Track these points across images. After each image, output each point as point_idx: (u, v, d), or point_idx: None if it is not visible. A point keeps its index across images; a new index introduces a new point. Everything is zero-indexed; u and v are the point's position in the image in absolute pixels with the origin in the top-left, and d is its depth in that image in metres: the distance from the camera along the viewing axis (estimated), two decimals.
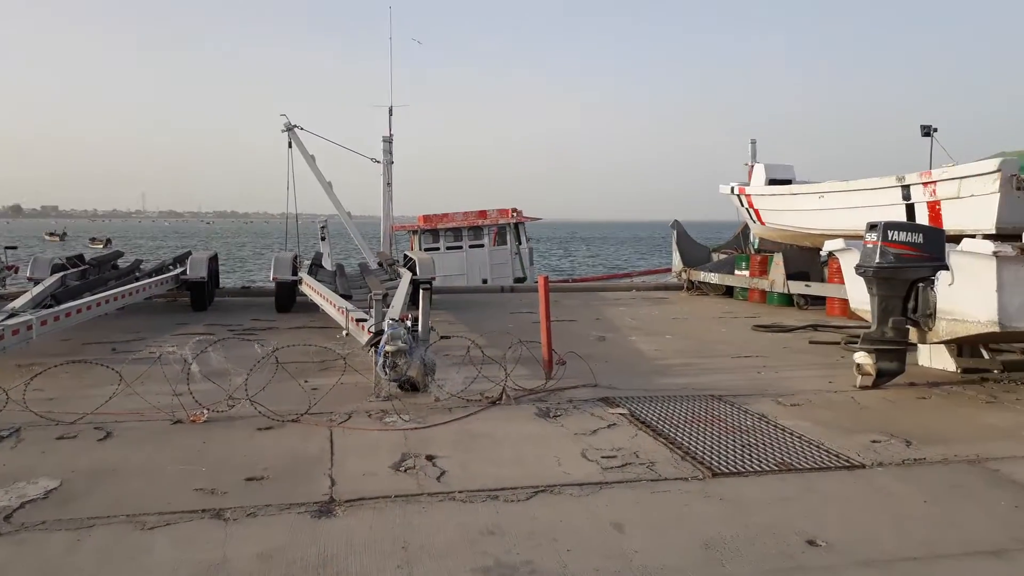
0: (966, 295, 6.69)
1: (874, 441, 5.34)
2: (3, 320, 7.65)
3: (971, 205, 10.45)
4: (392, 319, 6.89)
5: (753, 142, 15.82)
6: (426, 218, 23.19)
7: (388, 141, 17.98)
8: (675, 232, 17.63)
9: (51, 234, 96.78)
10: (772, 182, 15.21)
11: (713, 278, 16.03)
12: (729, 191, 16.20)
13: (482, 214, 23.33)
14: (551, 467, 4.78)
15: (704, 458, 4.95)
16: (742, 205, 15.98)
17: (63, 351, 8.40)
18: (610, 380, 7.23)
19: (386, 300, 8.36)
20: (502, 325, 10.84)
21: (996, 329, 6.55)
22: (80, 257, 13.87)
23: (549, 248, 79.47)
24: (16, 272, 14.66)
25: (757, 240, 16.52)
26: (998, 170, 10.08)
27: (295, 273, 12.90)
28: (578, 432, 5.55)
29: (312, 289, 11.36)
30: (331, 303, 9.65)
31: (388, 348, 6.31)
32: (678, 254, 17.35)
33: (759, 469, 4.76)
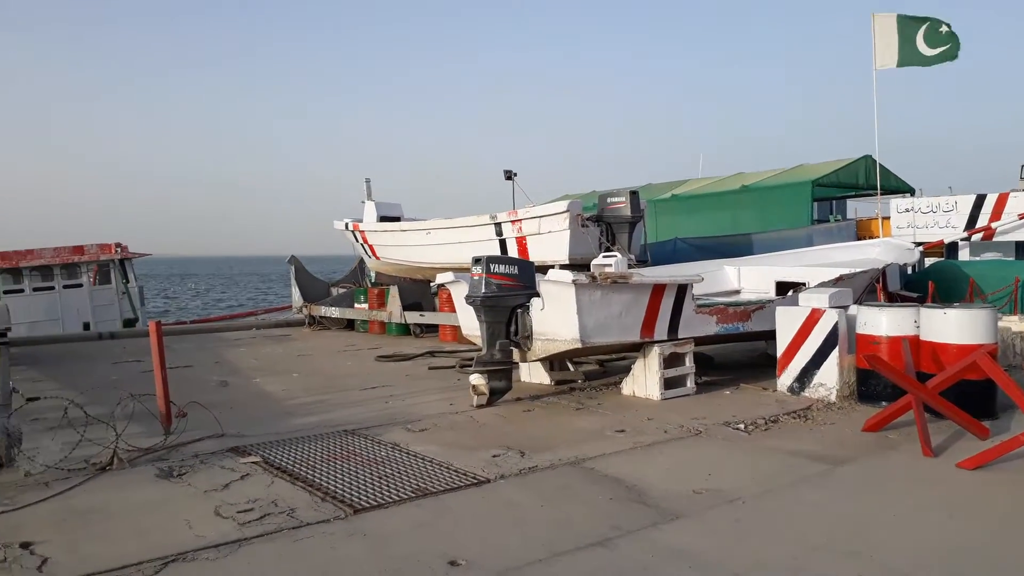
0: (554, 318, 7.71)
1: (495, 456, 5.87)
2: None
3: (549, 240, 12.19)
4: None
5: (367, 180, 16.41)
6: (3, 255, 19.54)
7: None
8: (293, 267, 17.45)
9: None
10: (383, 219, 15.95)
11: (334, 312, 16.17)
12: (344, 227, 16.57)
13: (78, 249, 20.41)
14: (181, 532, 4.38)
15: (345, 496, 4.97)
16: (357, 241, 16.45)
17: None
18: (238, 427, 6.86)
19: None
20: (105, 378, 9.63)
21: (579, 345, 7.66)
22: None
23: (164, 286, 72.64)
24: None
25: (374, 274, 17.12)
26: (567, 210, 11.93)
27: None
28: (208, 489, 5.17)
29: None
30: None
31: None
32: (297, 289, 17.19)
33: (397, 498, 4.92)
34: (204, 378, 9.92)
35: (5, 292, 18.99)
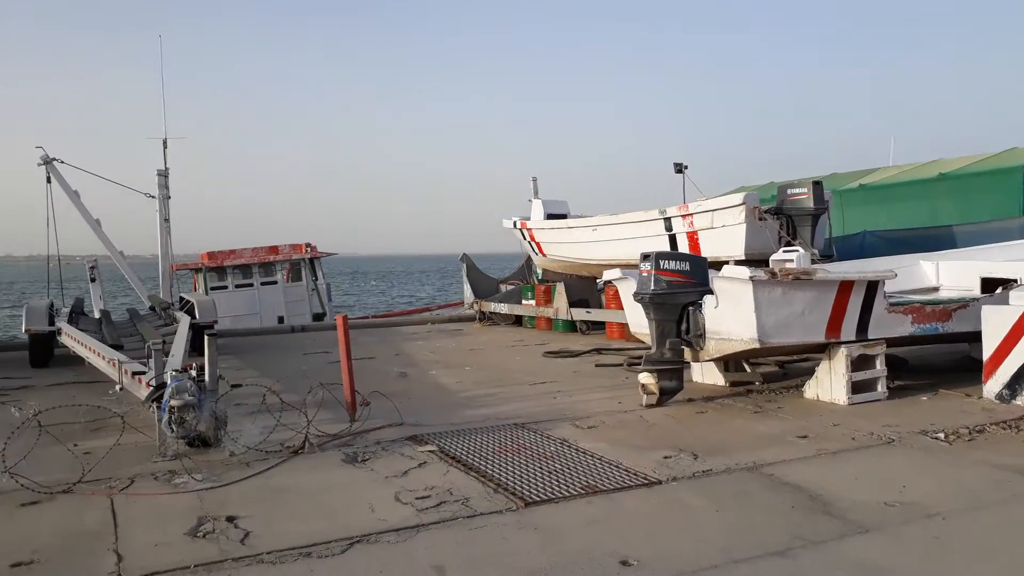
0: (729, 316, 7.40)
1: (666, 457, 5.73)
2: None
3: (723, 234, 11.71)
4: (175, 369, 6.36)
5: (534, 179, 16.64)
6: (211, 255, 21.82)
7: (164, 175, 16.84)
8: (465, 265, 18.04)
9: None
10: (549, 216, 16.07)
11: (503, 308, 16.54)
12: (512, 225, 16.88)
13: (273, 249, 22.40)
14: (364, 515, 4.63)
15: (516, 488, 5.04)
16: (525, 238, 16.71)
17: None
18: (416, 417, 7.16)
19: (165, 348, 7.71)
20: (297, 368, 10.41)
21: (757, 345, 7.31)
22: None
23: (351, 284, 78.12)
24: None
25: (541, 271, 17.32)
26: (743, 203, 11.40)
27: (52, 322, 11.53)
28: (389, 475, 5.43)
29: (75, 340, 10.19)
30: (99, 355, 8.71)
31: (174, 402, 5.81)
32: (469, 286, 17.75)
33: (567, 494, 4.92)
34: (385, 369, 10.45)
35: (212, 289, 21.13)
